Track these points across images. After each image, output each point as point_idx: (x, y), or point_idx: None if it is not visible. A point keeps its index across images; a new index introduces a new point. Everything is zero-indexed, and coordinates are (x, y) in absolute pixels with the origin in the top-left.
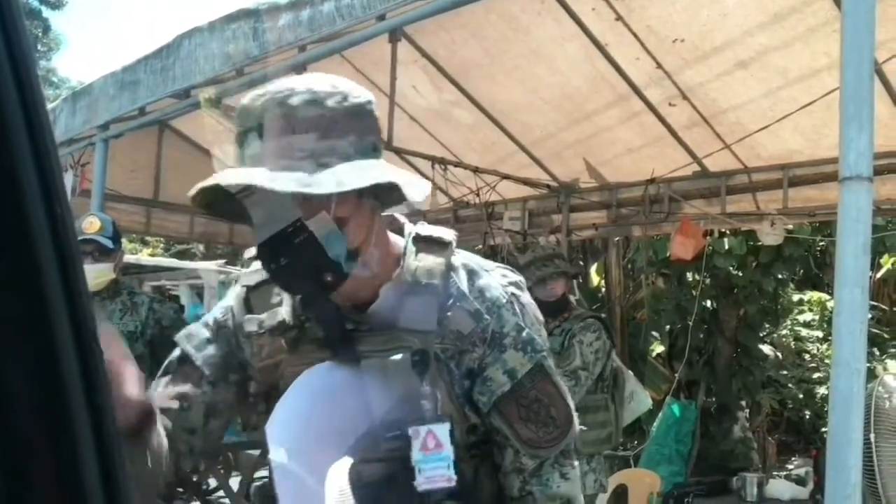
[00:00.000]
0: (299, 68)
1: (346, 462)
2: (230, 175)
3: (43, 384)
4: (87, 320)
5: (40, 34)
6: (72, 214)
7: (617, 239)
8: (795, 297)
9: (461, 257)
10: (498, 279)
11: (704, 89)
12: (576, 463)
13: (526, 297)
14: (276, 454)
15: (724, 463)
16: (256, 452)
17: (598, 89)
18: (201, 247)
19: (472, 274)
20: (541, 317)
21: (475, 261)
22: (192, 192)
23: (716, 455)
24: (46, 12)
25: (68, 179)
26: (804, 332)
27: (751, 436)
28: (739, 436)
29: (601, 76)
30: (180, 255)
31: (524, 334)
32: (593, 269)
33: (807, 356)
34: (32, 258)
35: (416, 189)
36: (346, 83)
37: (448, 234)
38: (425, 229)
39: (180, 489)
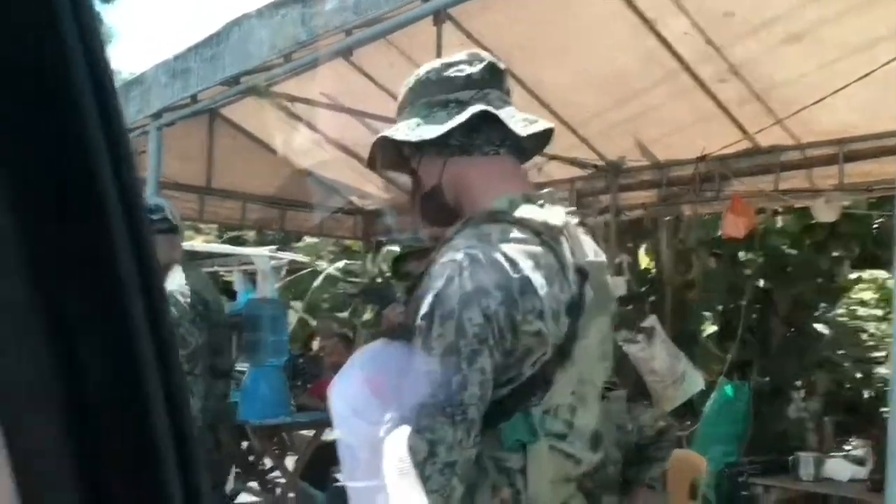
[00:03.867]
0: (346, 53)
1: (405, 430)
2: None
3: (117, 357)
4: (159, 291)
5: None
6: (140, 184)
7: (667, 218)
8: (852, 276)
9: (469, 230)
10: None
11: (755, 64)
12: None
13: (454, 269)
14: (336, 421)
15: (779, 443)
16: (311, 432)
17: (646, 67)
18: (253, 233)
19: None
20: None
21: (481, 230)
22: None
23: (770, 436)
24: (98, 6)
25: None
26: (861, 310)
27: (806, 416)
28: (794, 416)
29: (649, 53)
30: (233, 242)
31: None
32: (642, 249)
33: (864, 335)
34: (105, 227)
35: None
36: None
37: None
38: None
39: (238, 469)
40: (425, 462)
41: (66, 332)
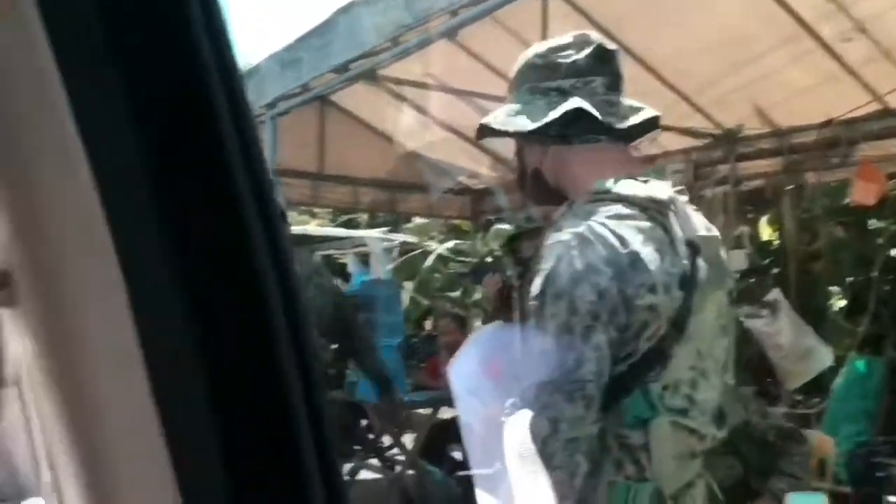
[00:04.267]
0: (452, 33)
1: (526, 414)
2: None
3: (255, 343)
4: (292, 275)
5: None
6: (269, 173)
7: (789, 188)
8: None
9: (574, 211)
10: (558, 232)
11: (883, 20)
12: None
13: (563, 249)
14: (455, 401)
15: None
16: (428, 411)
17: (763, 30)
18: (365, 216)
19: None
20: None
21: (585, 209)
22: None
23: None
24: None
25: None
26: None
27: None
28: None
29: (766, 15)
30: (346, 225)
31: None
32: (764, 220)
33: None
34: (240, 214)
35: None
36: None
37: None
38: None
39: (357, 447)
40: (548, 440)
41: (208, 320)
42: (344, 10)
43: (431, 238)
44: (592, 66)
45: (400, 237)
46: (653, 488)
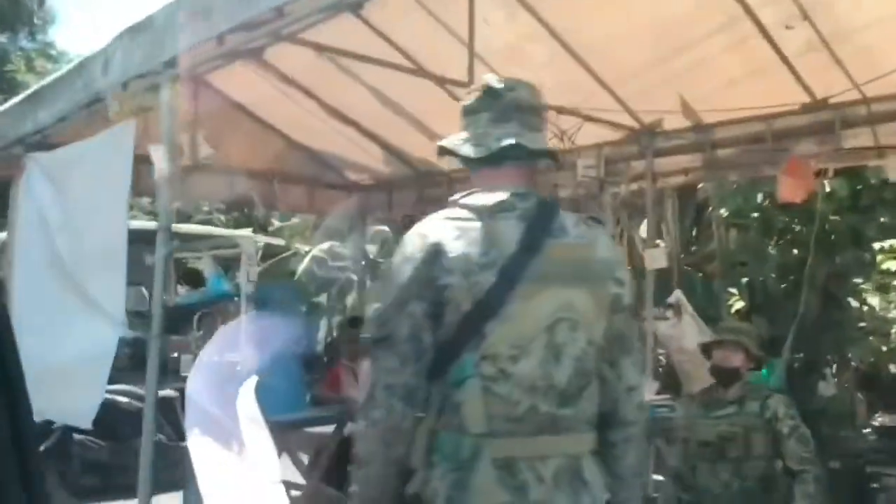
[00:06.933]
0: (354, 6)
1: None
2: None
3: None
4: None
5: (36, 8)
6: None
7: (700, 186)
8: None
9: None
10: None
11: (831, 6)
12: None
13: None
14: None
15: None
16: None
17: (703, 13)
18: (223, 216)
19: None
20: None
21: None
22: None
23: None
24: None
25: None
26: None
27: (844, 394)
28: (830, 393)
29: None
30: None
31: None
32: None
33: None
34: None
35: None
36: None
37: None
38: None
39: None
40: (371, 388)
41: None
42: None
43: (303, 239)
44: (479, 105)
45: (267, 239)
46: (471, 441)
